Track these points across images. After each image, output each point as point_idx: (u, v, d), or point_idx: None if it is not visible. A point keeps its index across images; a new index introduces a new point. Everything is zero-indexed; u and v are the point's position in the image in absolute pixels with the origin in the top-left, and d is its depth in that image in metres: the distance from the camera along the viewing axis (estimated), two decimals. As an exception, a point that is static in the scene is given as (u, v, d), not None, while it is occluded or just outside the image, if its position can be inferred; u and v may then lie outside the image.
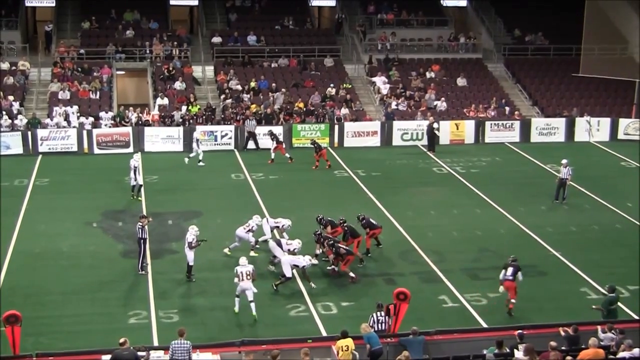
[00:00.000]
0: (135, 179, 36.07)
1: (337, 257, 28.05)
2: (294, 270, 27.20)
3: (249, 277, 25.26)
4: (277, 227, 30.64)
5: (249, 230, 29.80)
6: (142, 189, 36.52)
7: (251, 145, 44.77)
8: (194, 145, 41.69)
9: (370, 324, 22.32)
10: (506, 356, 20.24)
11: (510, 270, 25.71)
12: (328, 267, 28.58)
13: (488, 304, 26.28)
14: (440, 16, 58.04)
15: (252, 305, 25.06)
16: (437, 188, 38.93)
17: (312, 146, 41.92)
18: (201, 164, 41.29)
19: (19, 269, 28.47)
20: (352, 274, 27.84)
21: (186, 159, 41.52)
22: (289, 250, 28.21)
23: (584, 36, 50.72)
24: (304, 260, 27.02)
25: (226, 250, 30.00)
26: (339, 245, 28.22)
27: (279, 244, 28.49)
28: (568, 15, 53.50)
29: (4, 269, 28.31)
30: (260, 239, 29.82)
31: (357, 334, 21.23)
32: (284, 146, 42.83)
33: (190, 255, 27.48)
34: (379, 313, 22.84)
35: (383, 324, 22.69)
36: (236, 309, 25.49)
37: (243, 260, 25.86)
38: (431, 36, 56.70)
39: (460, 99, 51.20)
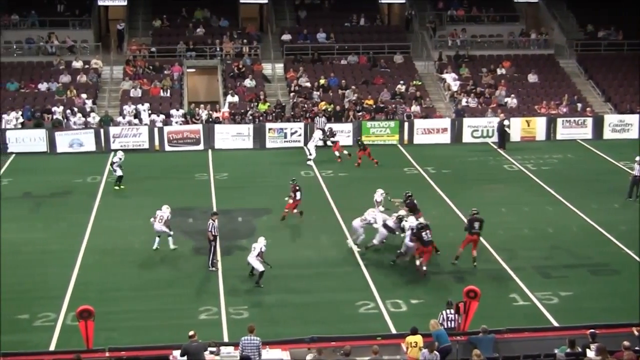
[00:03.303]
0: (115, 171, 37.20)
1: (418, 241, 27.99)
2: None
3: (160, 221, 29.58)
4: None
5: (367, 223, 29.99)
6: (214, 186, 36.86)
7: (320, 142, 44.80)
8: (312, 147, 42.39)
9: (440, 322, 22.20)
10: (578, 356, 19.97)
11: None
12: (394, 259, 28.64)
13: (559, 303, 25.93)
14: (511, 12, 57.47)
15: (157, 240, 30.00)
16: (507, 185, 38.57)
17: (358, 145, 41.94)
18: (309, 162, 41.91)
19: (91, 265, 28.92)
20: (424, 268, 27.73)
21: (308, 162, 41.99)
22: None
23: (659, 31, 49.92)
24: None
25: (352, 245, 30.23)
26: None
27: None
28: (642, 9, 52.73)
29: (77, 265, 28.77)
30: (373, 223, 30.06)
31: (427, 331, 21.14)
32: (340, 143, 42.66)
33: (257, 264, 27.35)
34: (448, 310, 22.69)
35: (453, 322, 22.55)
36: (155, 246, 29.95)
37: (164, 207, 29.99)
38: (502, 32, 56.21)
39: (531, 95, 50.65)
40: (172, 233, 29.87)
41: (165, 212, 29.87)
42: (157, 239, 29.96)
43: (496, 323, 22.47)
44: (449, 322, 22.51)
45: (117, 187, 37.35)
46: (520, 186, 38.49)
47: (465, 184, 38.51)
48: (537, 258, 29.50)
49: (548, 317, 25.00)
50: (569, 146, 45.57)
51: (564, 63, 54.44)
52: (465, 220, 29.55)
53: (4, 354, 20.62)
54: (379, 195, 31.31)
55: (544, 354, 20.43)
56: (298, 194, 32.91)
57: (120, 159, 37.35)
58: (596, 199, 35.94)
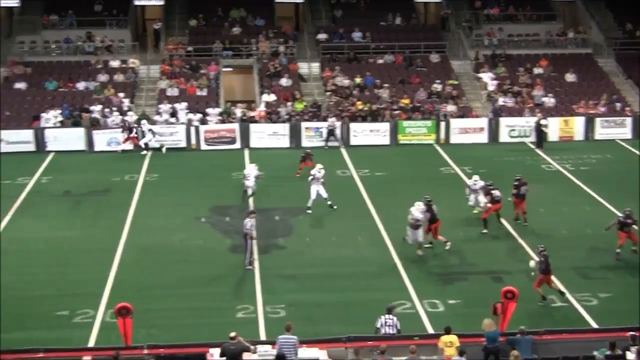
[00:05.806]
0: None
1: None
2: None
3: None
4: None
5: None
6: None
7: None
8: None
9: (378, 326, 22.02)
10: (618, 358, 19.80)
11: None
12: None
13: (599, 304, 25.74)
14: (548, 11, 57.13)
15: None
16: (545, 185, 38.23)
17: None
18: None
19: (130, 262, 29.13)
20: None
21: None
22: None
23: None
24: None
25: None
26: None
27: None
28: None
29: (115, 262, 28.96)
30: None
31: (462, 331, 21.08)
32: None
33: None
34: (387, 316, 22.33)
35: (391, 327, 22.04)
36: None
37: None
38: (539, 31, 55.87)
39: (569, 94, 50.29)
40: None
41: None
42: None
43: (534, 324, 22.34)
44: (387, 328, 21.98)
45: None
46: (558, 186, 38.25)
47: (502, 183, 38.09)
48: (576, 259, 29.29)
49: (587, 318, 24.82)
50: (607, 146, 45.21)
51: (602, 62, 53.99)
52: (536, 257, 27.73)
53: (45, 350, 20.76)
54: (317, 170, 33.79)
55: (582, 356, 20.25)
56: None
57: None
58: (635, 200, 35.55)
